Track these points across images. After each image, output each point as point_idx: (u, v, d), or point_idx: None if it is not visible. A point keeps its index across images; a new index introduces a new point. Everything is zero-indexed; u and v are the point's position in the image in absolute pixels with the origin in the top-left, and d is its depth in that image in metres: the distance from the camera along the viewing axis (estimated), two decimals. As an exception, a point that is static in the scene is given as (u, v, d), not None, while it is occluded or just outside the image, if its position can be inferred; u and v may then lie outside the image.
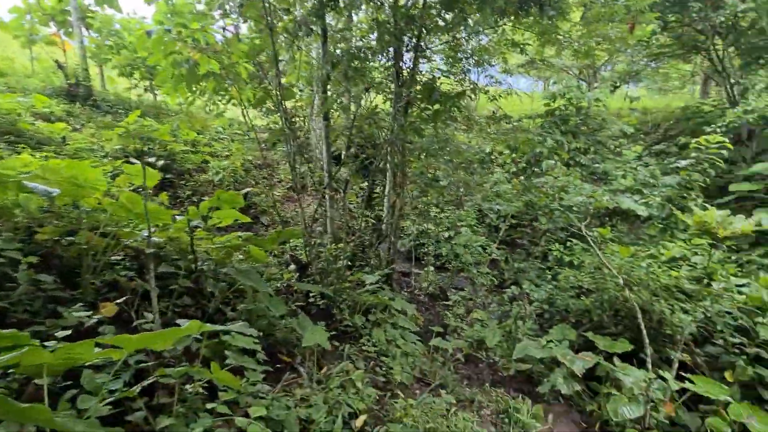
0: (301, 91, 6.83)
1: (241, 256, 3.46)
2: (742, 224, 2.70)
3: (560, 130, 7.54)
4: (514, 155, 8.28)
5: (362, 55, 4.23)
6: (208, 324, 1.66)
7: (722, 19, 7.91)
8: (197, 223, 3.19)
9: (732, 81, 9.49)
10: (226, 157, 6.51)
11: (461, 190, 6.74)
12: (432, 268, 9.21)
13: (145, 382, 1.57)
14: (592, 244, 4.23)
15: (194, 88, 3.93)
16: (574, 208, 4.30)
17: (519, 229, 8.70)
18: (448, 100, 4.37)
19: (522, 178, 6.70)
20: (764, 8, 7.58)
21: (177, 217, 3.23)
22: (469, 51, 5.70)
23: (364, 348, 3.40)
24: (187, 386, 1.75)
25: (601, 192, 5.05)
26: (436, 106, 4.57)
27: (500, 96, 5.13)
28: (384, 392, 2.93)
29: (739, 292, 3.72)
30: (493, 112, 10.21)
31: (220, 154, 6.55)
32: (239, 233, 2.94)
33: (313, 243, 3.72)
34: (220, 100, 6.35)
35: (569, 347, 4.34)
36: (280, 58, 4.51)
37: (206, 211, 3.09)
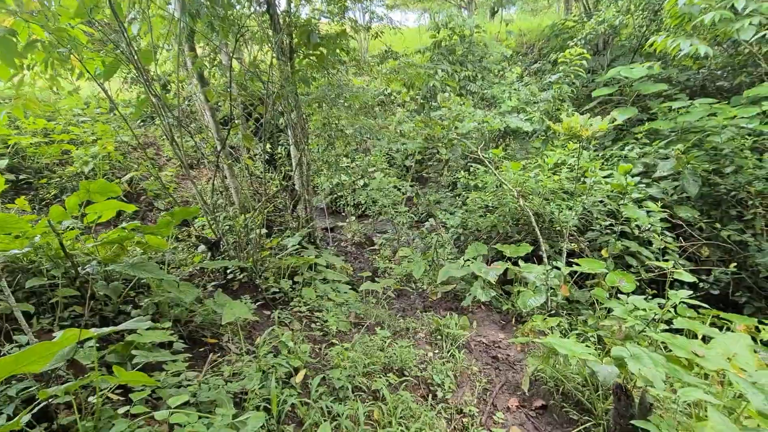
0: (168, 51, 5.96)
1: (139, 249, 3.11)
2: (599, 123, 3.11)
3: (449, 60, 7.72)
4: (410, 92, 8.37)
5: (227, 1, 3.75)
6: (92, 329, 1.48)
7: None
8: (70, 224, 2.74)
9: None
10: (93, 143, 5.57)
11: (367, 135, 6.71)
12: (353, 218, 9.34)
13: (34, 409, 1.38)
14: (489, 164, 4.58)
15: (19, 63, 3.17)
16: (470, 135, 4.56)
17: (427, 164, 9.07)
18: (330, 42, 4.16)
19: (422, 114, 6.86)
20: None
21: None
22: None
23: (295, 309, 3.40)
24: (91, 398, 1.59)
25: (492, 116, 5.39)
26: (320, 50, 4.32)
27: (383, 32, 5.00)
28: (322, 344, 3.01)
29: (606, 183, 4.38)
30: (385, 52, 10.03)
31: (83, 140, 5.57)
32: (124, 225, 2.60)
33: (218, 218, 3.46)
34: (64, 76, 5.26)
35: (483, 261, 4.83)
36: (127, 13, 3.81)
37: (76, 209, 2.66)
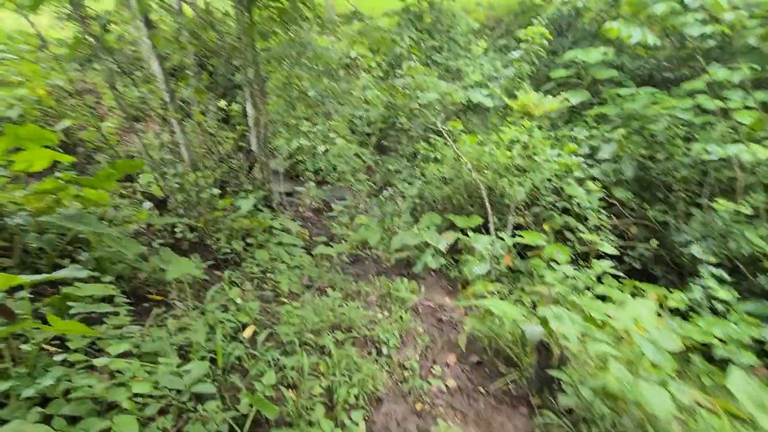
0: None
1: (77, 204, 2.93)
2: (550, 103, 3.27)
3: (416, 27, 7.59)
4: (376, 58, 8.19)
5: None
6: (22, 276, 1.43)
7: None
8: (-6, 171, 2.52)
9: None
10: (19, 84, 5.02)
11: (329, 99, 6.54)
12: (313, 184, 9.23)
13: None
14: (447, 137, 4.68)
15: None
16: (432, 106, 4.60)
17: (388, 133, 9.05)
18: None
19: (386, 81, 6.77)
20: None
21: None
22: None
23: (248, 270, 3.40)
24: (25, 346, 1.55)
25: (455, 89, 5.45)
26: (282, 1, 4.08)
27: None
28: (272, 303, 3.06)
29: (555, 161, 4.64)
30: (352, 12, 9.64)
31: (8, 80, 4.99)
32: (58, 175, 2.43)
33: (166, 174, 3.30)
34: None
35: (436, 230, 5.03)
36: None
37: (2, 156, 2.44)
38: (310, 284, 3.72)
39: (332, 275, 4.08)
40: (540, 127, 4.94)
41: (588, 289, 3.19)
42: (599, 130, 5.63)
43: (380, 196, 7.49)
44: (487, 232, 4.58)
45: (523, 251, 4.70)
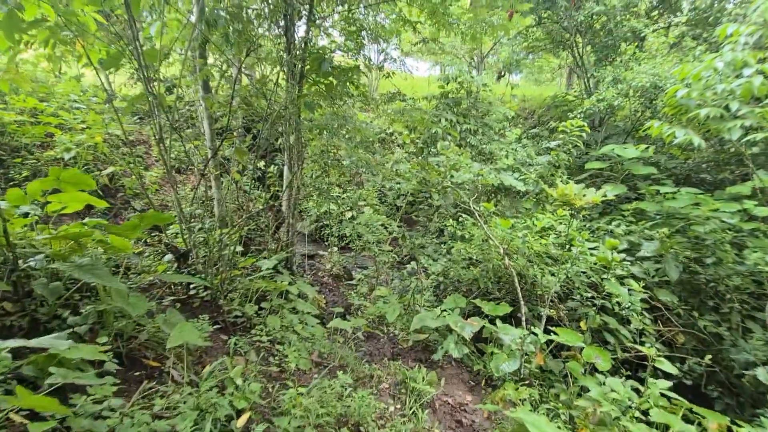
0: (180, 55, 5.97)
1: (100, 249, 2.89)
2: (592, 195, 3.12)
3: (453, 111, 7.93)
4: (412, 135, 8.52)
5: (245, 15, 3.79)
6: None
7: (581, 18, 9.06)
8: (28, 210, 2.54)
9: (588, 75, 11.06)
10: (81, 131, 5.40)
11: (362, 169, 6.69)
12: (336, 249, 9.15)
13: None
14: (478, 217, 4.55)
15: (18, 39, 3.08)
16: (464, 186, 4.56)
17: (417, 206, 9.07)
18: (341, 74, 4.20)
19: (420, 158, 6.92)
20: (611, 12, 8.87)
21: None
22: (366, 26, 5.57)
23: (255, 338, 3.16)
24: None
25: (488, 170, 5.45)
26: (330, 80, 4.36)
27: (394, 73, 5.11)
28: (276, 382, 2.76)
29: (591, 254, 4.37)
30: (393, 93, 10.31)
31: (72, 126, 5.39)
32: (86, 220, 2.41)
33: (193, 228, 3.27)
34: (70, 61, 5.19)
35: (460, 314, 4.68)
36: (143, 10, 3.82)
37: (38, 195, 2.47)
38: (320, 361, 3.40)
39: (345, 352, 3.75)
40: (575, 217, 4.76)
41: (642, 412, 2.72)
42: (638, 227, 5.37)
43: (403, 270, 7.26)
44: (517, 323, 4.21)
45: (555, 349, 4.25)
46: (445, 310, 4.60)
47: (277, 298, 3.94)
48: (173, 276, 2.85)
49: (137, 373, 2.19)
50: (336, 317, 4.25)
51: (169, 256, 3.37)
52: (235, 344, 2.92)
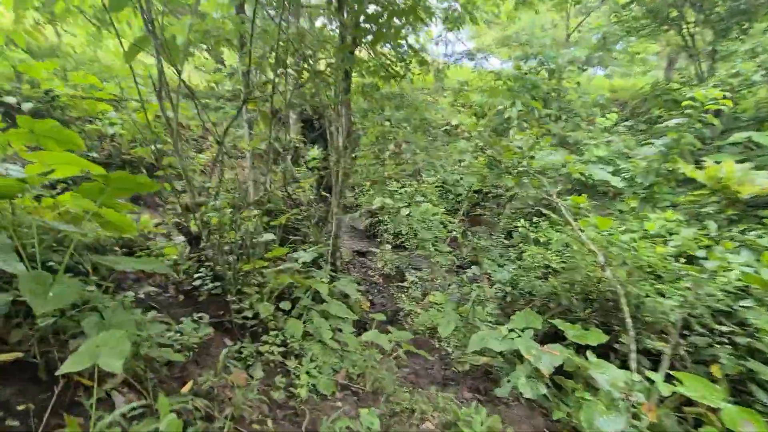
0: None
1: (94, 224, 2.43)
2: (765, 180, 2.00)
3: (531, 95, 6.78)
4: (481, 122, 7.50)
5: None
6: None
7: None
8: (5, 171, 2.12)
9: (701, 58, 9.10)
10: (135, 111, 5.27)
11: (420, 158, 5.89)
12: (389, 247, 8.43)
13: None
14: (566, 214, 3.50)
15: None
16: (547, 172, 3.54)
17: (483, 204, 8.02)
18: (395, 15, 3.35)
19: (488, 134, 5.90)
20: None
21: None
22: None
23: (266, 348, 2.49)
24: None
25: (574, 161, 4.34)
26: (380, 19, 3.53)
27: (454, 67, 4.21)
28: (281, 412, 2.06)
29: (735, 271, 3.11)
30: (461, 84, 9.30)
31: (128, 106, 5.29)
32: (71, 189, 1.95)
33: (199, 204, 2.73)
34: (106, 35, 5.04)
35: (533, 337, 3.66)
36: None
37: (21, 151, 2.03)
38: (348, 384, 2.66)
39: (382, 373, 2.97)
40: (733, 203, 3.46)
41: None
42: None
43: (462, 275, 6.31)
44: (622, 364, 3.10)
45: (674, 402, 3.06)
46: (513, 330, 3.62)
47: (306, 298, 3.27)
48: (145, 262, 2.22)
49: (60, 394, 1.58)
50: (374, 327, 3.48)
51: (179, 239, 2.89)
52: (239, 353, 2.29)
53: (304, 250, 4.37)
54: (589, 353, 3.07)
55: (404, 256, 8.12)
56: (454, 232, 6.63)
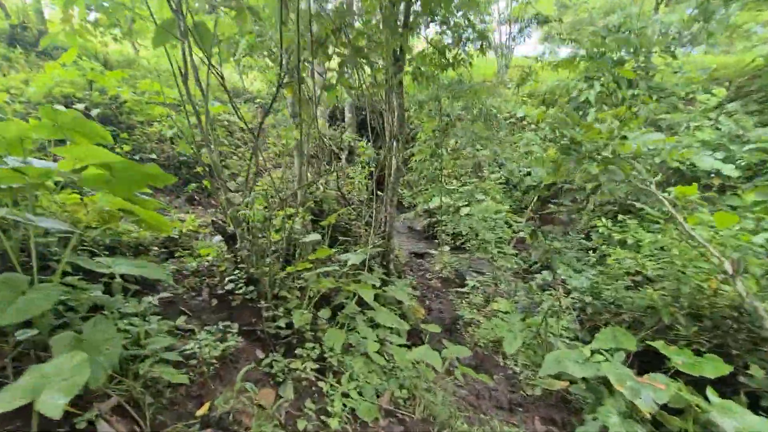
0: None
1: (129, 225, 2.32)
2: None
3: (613, 74, 5.87)
4: (550, 110, 6.68)
5: None
6: None
7: None
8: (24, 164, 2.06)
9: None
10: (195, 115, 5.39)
11: (481, 151, 5.34)
12: (447, 248, 7.91)
13: None
14: (672, 209, 2.77)
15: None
16: (645, 159, 2.83)
17: (555, 201, 7.17)
18: None
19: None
20: None
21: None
22: None
23: (298, 364, 2.17)
24: None
25: (675, 145, 3.54)
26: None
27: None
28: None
29: None
30: (526, 73, 8.47)
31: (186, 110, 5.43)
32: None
33: (231, 201, 2.51)
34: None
35: (625, 361, 2.98)
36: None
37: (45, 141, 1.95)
38: (393, 410, 2.27)
39: (435, 396, 2.54)
40: None
41: None
42: None
43: (531, 281, 5.61)
44: (752, 402, 2.36)
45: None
46: (598, 351, 2.97)
47: (352, 305, 2.94)
48: (116, 262, 1.98)
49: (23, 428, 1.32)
50: (428, 341, 3.06)
51: (217, 238, 2.73)
52: (270, 366, 2.01)
53: (354, 251, 4.08)
54: (710, 390, 2.36)
55: (464, 259, 7.54)
56: (522, 233, 5.94)
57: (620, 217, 4.83)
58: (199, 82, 2.62)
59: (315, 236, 3.53)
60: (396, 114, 4.40)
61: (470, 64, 4.39)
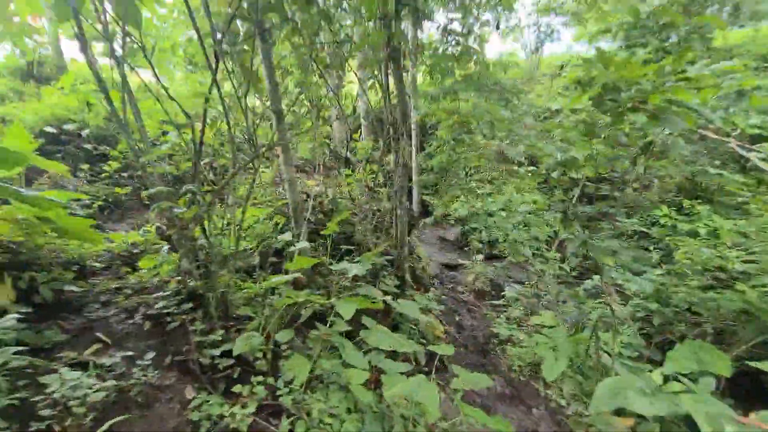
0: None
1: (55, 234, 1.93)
2: None
3: (659, 38, 4.96)
4: (585, 90, 5.81)
5: None
6: None
7: None
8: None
9: None
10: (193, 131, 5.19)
11: (497, 126, 4.62)
12: (481, 257, 7.10)
13: None
14: None
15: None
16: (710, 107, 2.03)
17: (601, 195, 6.18)
18: None
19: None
20: None
21: None
22: None
23: (224, 408, 1.56)
24: None
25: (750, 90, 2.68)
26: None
27: None
28: None
29: None
30: (561, 66, 7.61)
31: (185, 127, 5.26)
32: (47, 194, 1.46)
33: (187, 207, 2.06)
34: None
35: (715, 388, 2.11)
36: None
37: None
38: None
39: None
40: None
41: None
42: None
43: (578, 287, 4.69)
44: None
45: None
46: (674, 377, 2.14)
47: (343, 323, 2.34)
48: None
49: None
50: (434, 365, 2.38)
51: (166, 247, 2.28)
52: (199, 410, 1.45)
53: (357, 261, 3.50)
54: None
55: (501, 268, 6.69)
56: (563, 234, 5.06)
57: (686, 203, 3.90)
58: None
59: (302, 243, 3.01)
60: (398, 104, 3.86)
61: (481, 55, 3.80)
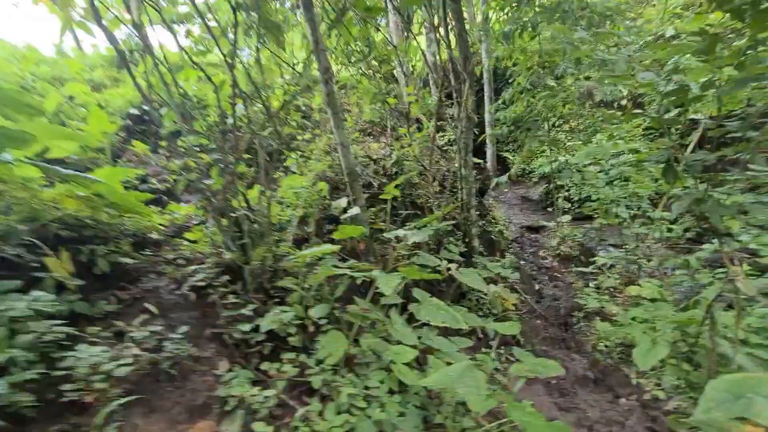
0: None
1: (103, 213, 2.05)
2: None
3: None
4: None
5: None
6: None
7: None
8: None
9: None
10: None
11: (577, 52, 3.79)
12: (568, 218, 6.32)
13: None
14: None
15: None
16: None
17: (727, 141, 4.90)
18: None
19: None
20: None
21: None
22: None
23: (247, 392, 1.48)
24: None
25: None
26: None
27: None
28: None
29: None
30: None
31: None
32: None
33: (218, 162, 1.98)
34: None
35: None
36: None
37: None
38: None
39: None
40: None
41: None
42: None
43: (691, 255, 3.84)
44: None
45: None
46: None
47: (367, 299, 2.18)
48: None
49: None
50: (496, 345, 2.10)
51: (211, 222, 2.29)
52: (229, 386, 1.42)
53: (417, 227, 3.26)
54: None
55: (592, 229, 5.87)
56: (669, 188, 4.14)
57: None
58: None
59: (354, 210, 2.86)
60: (457, 46, 3.36)
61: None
